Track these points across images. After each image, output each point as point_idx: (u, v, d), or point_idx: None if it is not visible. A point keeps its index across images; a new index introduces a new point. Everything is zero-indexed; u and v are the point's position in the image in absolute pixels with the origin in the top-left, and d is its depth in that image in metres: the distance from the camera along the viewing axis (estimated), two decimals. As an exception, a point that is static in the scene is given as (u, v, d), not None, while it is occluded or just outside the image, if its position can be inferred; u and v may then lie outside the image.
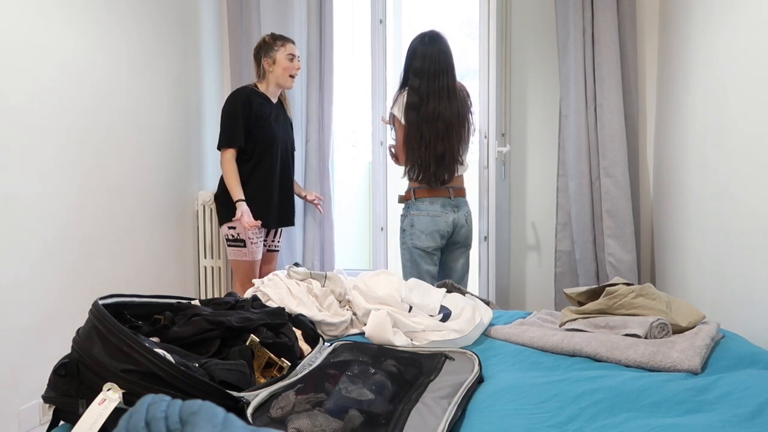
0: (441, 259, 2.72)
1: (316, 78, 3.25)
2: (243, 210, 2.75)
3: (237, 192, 2.77)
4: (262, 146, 2.80)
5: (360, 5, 3.54)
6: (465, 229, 2.69)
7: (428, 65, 2.57)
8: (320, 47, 3.26)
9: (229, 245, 2.87)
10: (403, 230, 2.69)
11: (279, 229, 3.06)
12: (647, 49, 3.02)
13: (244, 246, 2.83)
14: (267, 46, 2.83)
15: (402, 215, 2.72)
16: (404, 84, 2.65)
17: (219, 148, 2.81)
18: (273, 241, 3.05)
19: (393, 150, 2.78)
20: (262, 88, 2.85)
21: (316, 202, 3.19)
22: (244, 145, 2.78)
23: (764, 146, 1.80)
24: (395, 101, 2.65)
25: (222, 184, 2.87)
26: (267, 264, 3.02)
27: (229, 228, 2.84)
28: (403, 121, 2.61)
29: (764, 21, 1.80)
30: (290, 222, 3.03)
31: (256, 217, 2.80)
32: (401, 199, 2.74)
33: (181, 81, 3.13)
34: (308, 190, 3.23)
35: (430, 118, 2.55)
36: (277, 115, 2.88)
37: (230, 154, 2.78)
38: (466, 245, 2.74)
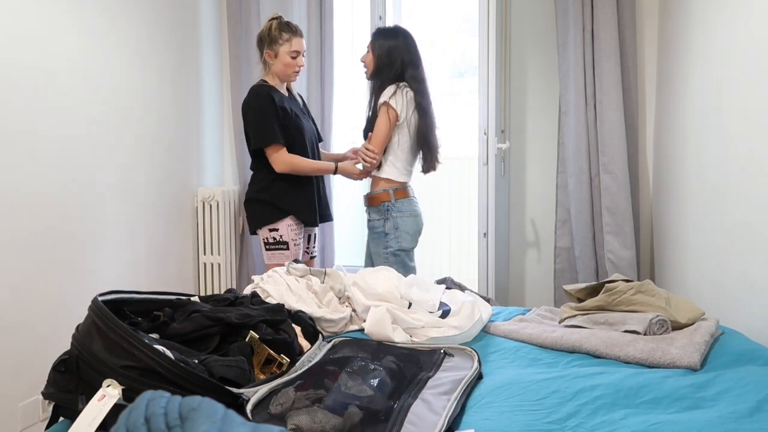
0: None
1: (316, 74, 3.24)
2: (347, 166, 2.64)
3: (325, 166, 2.64)
4: (293, 141, 2.63)
5: (360, 2, 3.54)
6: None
7: (417, 55, 2.63)
8: (320, 43, 3.25)
9: (268, 249, 2.64)
10: (385, 234, 2.59)
11: (314, 234, 2.89)
12: (647, 45, 3.01)
13: (287, 248, 2.62)
14: (271, 38, 2.62)
15: (379, 219, 2.60)
16: (400, 77, 2.59)
17: (262, 146, 2.58)
18: (308, 246, 2.87)
19: (371, 147, 2.58)
20: (270, 81, 2.67)
21: (361, 152, 2.66)
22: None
23: (763, 143, 1.80)
24: (393, 94, 2.55)
25: (254, 185, 2.68)
26: None
27: (271, 230, 2.63)
28: (401, 115, 2.57)
29: (763, 17, 1.80)
30: (330, 217, 2.90)
31: (300, 218, 2.67)
32: (375, 201, 2.62)
33: (180, 77, 3.12)
34: (343, 153, 2.91)
35: (429, 111, 2.62)
36: (296, 106, 2.74)
37: (280, 150, 2.57)
38: None
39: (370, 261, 2.72)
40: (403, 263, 2.59)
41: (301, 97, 2.89)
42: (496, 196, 2.87)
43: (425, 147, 2.64)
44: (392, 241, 2.59)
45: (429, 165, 2.68)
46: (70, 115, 2.42)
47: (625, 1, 2.91)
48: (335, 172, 2.67)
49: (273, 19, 2.67)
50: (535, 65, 3.22)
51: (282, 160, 2.59)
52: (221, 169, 3.48)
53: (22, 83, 2.20)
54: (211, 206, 3.20)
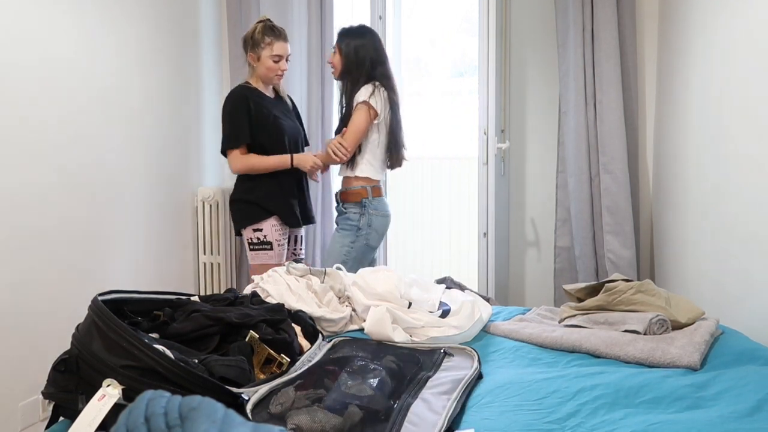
0: None
1: (316, 74, 3.24)
2: (303, 156, 2.64)
3: (280, 159, 2.61)
4: (271, 144, 2.64)
5: (360, 2, 3.54)
6: None
7: (384, 53, 2.70)
8: (321, 43, 3.25)
9: (252, 249, 2.66)
10: (358, 228, 2.63)
11: (300, 236, 2.89)
12: (647, 45, 3.01)
13: (271, 249, 2.63)
14: (254, 41, 2.63)
15: (355, 213, 2.64)
16: (370, 75, 2.62)
17: (224, 151, 2.66)
18: (295, 248, 2.86)
19: (344, 144, 2.59)
20: (254, 83, 2.69)
21: (332, 146, 2.63)
22: (252, 143, 2.62)
23: (763, 143, 1.80)
24: (372, 94, 2.58)
25: (239, 185, 2.71)
26: None
27: (255, 231, 2.64)
28: (380, 114, 2.60)
29: (763, 17, 1.80)
30: (313, 220, 2.89)
31: (283, 219, 2.67)
32: (355, 197, 2.65)
33: (180, 77, 3.12)
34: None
35: (399, 108, 2.70)
36: (280, 108, 2.74)
37: (239, 152, 2.61)
38: None
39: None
40: (359, 260, 2.64)
41: (291, 99, 2.89)
42: (496, 196, 2.87)
43: (393, 143, 2.69)
44: (362, 238, 2.65)
45: (394, 161, 2.75)
46: (70, 115, 2.42)
47: (625, 1, 2.91)
48: (291, 164, 2.65)
49: (260, 21, 2.68)
50: (535, 65, 3.22)
51: (237, 161, 2.63)
52: (221, 169, 3.48)
53: (22, 83, 2.20)
54: (211, 206, 3.20)
